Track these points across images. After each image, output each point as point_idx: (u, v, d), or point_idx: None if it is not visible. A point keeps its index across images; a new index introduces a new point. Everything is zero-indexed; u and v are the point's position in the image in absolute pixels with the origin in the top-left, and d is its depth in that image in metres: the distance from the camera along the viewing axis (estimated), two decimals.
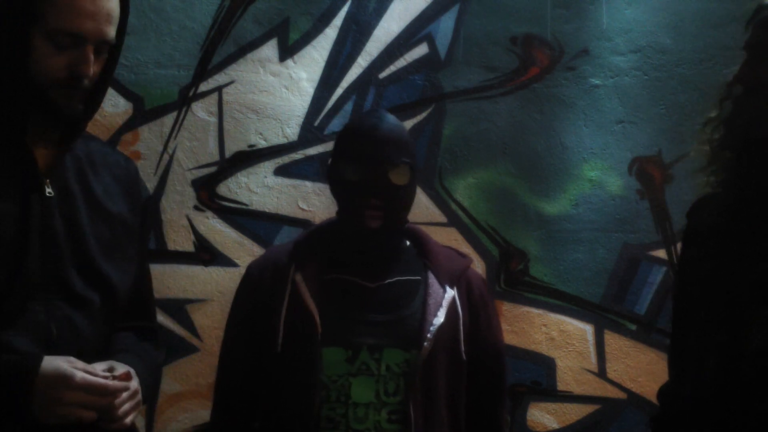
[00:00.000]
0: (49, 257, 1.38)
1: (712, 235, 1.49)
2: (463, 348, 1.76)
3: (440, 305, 1.75)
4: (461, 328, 1.77)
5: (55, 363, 1.30)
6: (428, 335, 1.71)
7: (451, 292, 1.77)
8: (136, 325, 1.62)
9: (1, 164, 1.38)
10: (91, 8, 1.36)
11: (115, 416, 1.35)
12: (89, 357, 1.37)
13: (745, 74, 1.44)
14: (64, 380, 1.28)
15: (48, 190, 1.41)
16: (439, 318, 1.73)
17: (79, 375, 1.30)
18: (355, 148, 1.75)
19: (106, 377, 1.34)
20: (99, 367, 1.36)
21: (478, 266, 2.71)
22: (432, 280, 1.78)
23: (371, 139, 1.73)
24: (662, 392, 1.65)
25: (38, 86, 1.37)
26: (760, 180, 1.44)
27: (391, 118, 1.79)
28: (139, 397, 1.42)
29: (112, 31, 1.41)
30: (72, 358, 1.32)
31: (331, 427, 1.69)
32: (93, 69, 1.39)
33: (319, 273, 1.77)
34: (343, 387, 1.70)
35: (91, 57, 1.38)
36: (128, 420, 1.38)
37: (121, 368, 1.40)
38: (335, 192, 1.81)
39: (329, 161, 1.84)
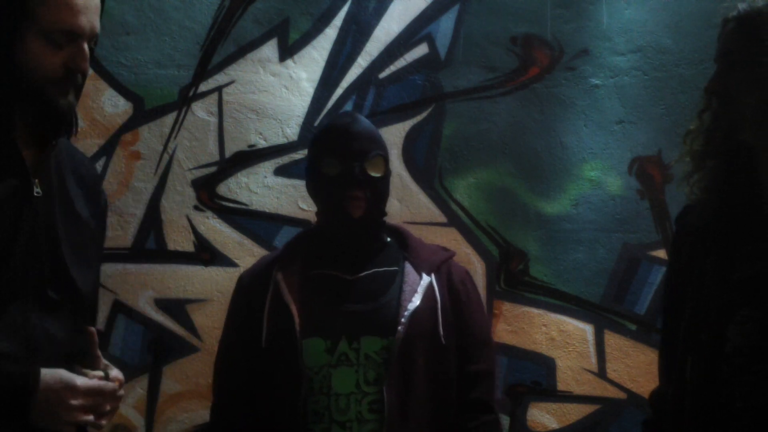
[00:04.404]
0: (30, 261, 1.38)
1: (698, 239, 1.52)
2: (441, 332, 1.79)
3: (416, 291, 1.79)
4: (440, 312, 1.80)
5: (54, 372, 1.33)
6: (402, 320, 1.75)
7: (427, 279, 1.82)
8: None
9: None
10: (83, 3, 1.37)
11: (103, 417, 1.39)
12: (61, 361, 1.38)
13: (717, 85, 1.48)
14: (68, 387, 1.32)
15: (36, 190, 1.39)
16: (414, 303, 1.77)
17: (81, 380, 1.34)
18: (331, 144, 1.83)
19: (101, 379, 1.39)
20: (94, 373, 1.40)
21: (478, 266, 2.71)
22: (409, 269, 1.84)
23: (346, 134, 1.82)
24: (652, 396, 1.67)
25: (33, 85, 1.36)
26: (742, 185, 1.48)
27: (363, 118, 1.91)
28: (120, 400, 1.46)
29: (99, 24, 1.42)
30: (62, 370, 1.35)
31: (316, 420, 1.73)
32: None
33: (302, 270, 1.83)
34: (324, 378, 1.74)
35: (87, 52, 1.38)
36: (105, 421, 1.41)
37: (113, 372, 1.44)
38: (315, 189, 1.88)
39: (307, 163, 1.90)
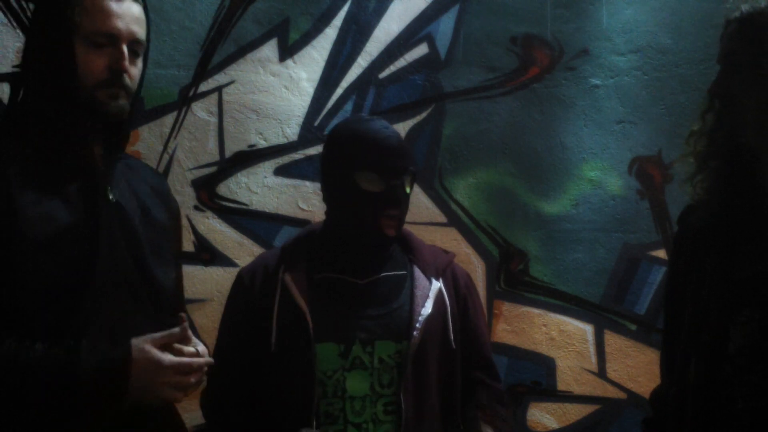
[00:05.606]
0: (114, 262, 1.48)
1: (699, 240, 1.52)
2: (452, 337, 1.81)
3: (427, 296, 1.80)
4: (450, 317, 1.82)
5: (143, 349, 1.42)
6: (417, 325, 1.76)
7: (437, 284, 1.83)
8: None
9: (64, 173, 1.48)
10: (118, 10, 1.50)
11: (187, 389, 1.48)
12: None
13: (719, 87, 1.48)
14: (155, 364, 1.42)
15: (111, 195, 1.51)
16: (427, 308, 1.78)
17: (167, 358, 1.43)
18: (372, 158, 1.74)
19: (192, 354, 1.47)
20: (187, 349, 1.48)
21: (478, 266, 2.71)
22: (418, 273, 1.84)
23: (387, 149, 1.75)
24: (652, 395, 1.68)
25: (85, 91, 1.48)
26: (744, 186, 1.48)
27: (387, 124, 1.82)
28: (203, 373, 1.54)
29: (141, 32, 1.54)
30: (151, 340, 1.43)
31: (330, 422, 1.72)
32: (132, 70, 1.52)
33: (308, 273, 1.80)
34: (338, 382, 1.73)
35: (126, 53, 1.50)
36: (191, 391, 1.50)
37: (200, 347, 1.53)
38: (344, 200, 1.79)
39: (325, 163, 1.85)
